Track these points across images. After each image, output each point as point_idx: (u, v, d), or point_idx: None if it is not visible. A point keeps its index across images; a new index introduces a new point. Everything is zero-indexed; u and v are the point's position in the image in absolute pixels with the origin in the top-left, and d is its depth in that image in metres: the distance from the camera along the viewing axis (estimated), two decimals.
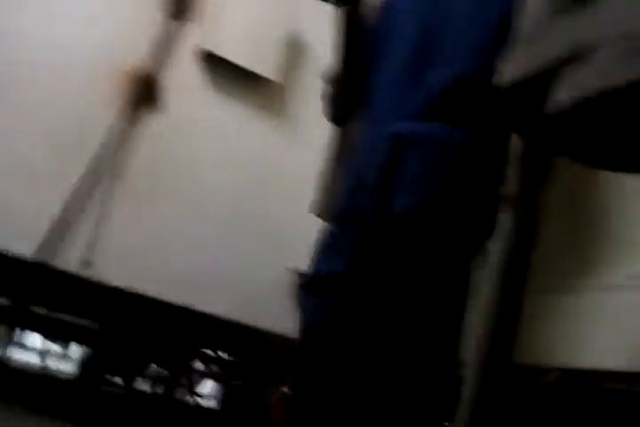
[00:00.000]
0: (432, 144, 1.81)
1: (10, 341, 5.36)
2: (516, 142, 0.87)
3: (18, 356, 5.57)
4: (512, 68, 0.76)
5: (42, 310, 3.86)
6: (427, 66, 1.87)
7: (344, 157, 2.04)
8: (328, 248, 1.92)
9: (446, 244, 1.79)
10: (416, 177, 1.80)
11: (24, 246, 2.57)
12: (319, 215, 2.13)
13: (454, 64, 1.84)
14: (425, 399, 1.71)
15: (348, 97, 2.09)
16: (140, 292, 2.85)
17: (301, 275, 2.62)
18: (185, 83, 2.99)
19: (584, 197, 1.88)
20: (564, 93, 0.69)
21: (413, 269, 1.79)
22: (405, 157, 1.81)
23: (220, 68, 3.04)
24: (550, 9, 0.75)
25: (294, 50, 3.17)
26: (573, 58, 0.69)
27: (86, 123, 2.71)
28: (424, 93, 1.85)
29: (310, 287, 1.90)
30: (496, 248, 0.88)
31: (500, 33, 1.71)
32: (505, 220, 0.86)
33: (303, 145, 3.04)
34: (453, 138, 1.81)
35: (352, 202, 1.89)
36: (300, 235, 2.28)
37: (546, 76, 0.73)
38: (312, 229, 1.98)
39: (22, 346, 6.66)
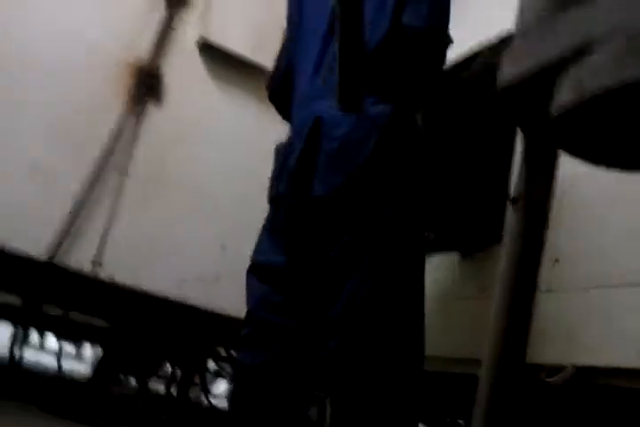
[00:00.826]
0: (355, 122, 1.78)
1: (23, 341, 5.41)
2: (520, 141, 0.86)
3: (31, 356, 5.61)
4: (512, 67, 0.74)
5: (54, 310, 3.88)
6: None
7: (278, 144, 2.03)
8: (266, 232, 1.95)
9: (374, 224, 1.77)
10: (333, 158, 1.80)
11: (35, 246, 2.57)
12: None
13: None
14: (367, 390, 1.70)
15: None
16: (152, 291, 2.84)
17: None
18: (186, 74, 2.98)
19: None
20: (564, 94, 0.68)
21: (343, 253, 1.77)
22: (324, 138, 1.81)
23: (220, 58, 3.02)
24: (548, 6, 0.74)
25: None
26: (574, 56, 0.68)
27: (91, 118, 2.70)
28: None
29: (253, 272, 1.92)
30: (505, 249, 0.87)
31: None
32: (512, 220, 0.84)
33: None
34: (370, 116, 1.80)
35: (278, 186, 1.90)
36: None
37: (547, 75, 0.71)
38: None
39: (36, 346, 6.72)
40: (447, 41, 1.92)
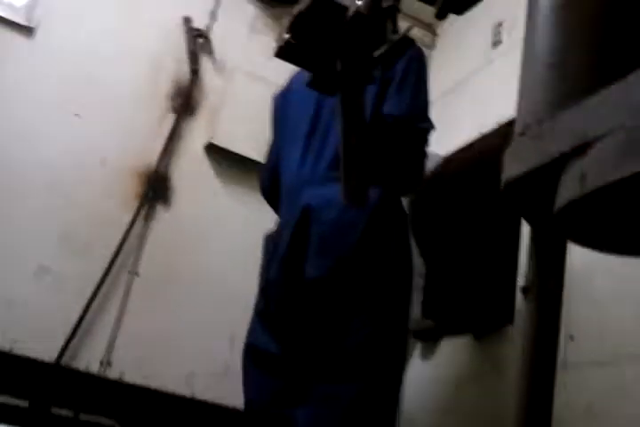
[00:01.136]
0: (338, 209, 1.83)
1: None
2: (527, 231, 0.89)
3: None
4: (515, 164, 0.78)
5: (63, 412, 3.79)
6: (325, 135, 1.97)
7: (266, 233, 2.09)
8: (257, 319, 1.96)
9: (366, 304, 1.80)
10: (325, 241, 1.84)
11: (42, 348, 2.55)
12: None
13: None
14: None
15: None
16: (161, 388, 2.80)
17: None
18: (193, 175, 3.07)
19: None
20: (568, 187, 0.71)
21: (337, 336, 1.79)
22: (313, 223, 1.86)
23: (225, 159, 3.12)
24: (546, 108, 0.78)
25: None
26: (575, 152, 0.72)
27: (102, 223, 2.76)
28: (327, 156, 1.93)
29: (251, 360, 1.94)
30: (522, 334, 0.88)
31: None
32: (525, 309, 0.86)
33: None
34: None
35: (269, 273, 1.94)
36: None
37: (550, 171, 0.75)
38: None
39: None
40: (428, 126, 1.99)
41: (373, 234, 1.85)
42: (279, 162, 2.13)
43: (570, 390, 1.77)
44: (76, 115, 2.81)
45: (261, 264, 2.04)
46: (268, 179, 2.20)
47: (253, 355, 1.94)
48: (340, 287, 1.82)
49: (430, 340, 2.56)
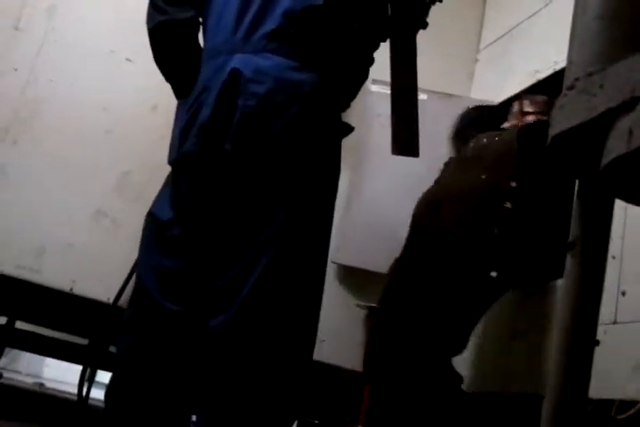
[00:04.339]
0: (275, 83, 1.69)
1: (91, 381, 5.51)
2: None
3: (98, 395, 5.72)
4: (563, 119, 0.77)
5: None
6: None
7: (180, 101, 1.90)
8: (168, 191, 1.83)
9: (285, 194, 1.65)
10: (250, 116, 1.67)
11: (101, 289, 2.65)
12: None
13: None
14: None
15: None
16: None
17: (372, 309, 2.64)
18: None
19: None
20: (615, 143, 0.70)
21: (247, 222, 1.64)
22: (241, 93, 1.69)
23: None
24: (596, 60, 0.77)
25: None
26: (623, 108, 0.70)
27: (154, 169, 2.77)
28: (269, 24, 1.73)
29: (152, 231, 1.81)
30: (565, 290, 0.88)
31: None
32: (570, 264, 0.86)
33: None
34: (294, 81, 1.70)
35: (184, 144, 1.77)
36: None
37: (597, 127, 0.74)
38: None
39: (102, 385, 6.84)
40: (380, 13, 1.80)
41: (304, 123, 1.69)
42: (205, 15, 1.88)
43: (620, 346, 1.77)
44: (128, 59, 2.81)
45: (174, 134, 1.88)
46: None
47: (155, 227, 1.81)
48: (258, 172, 1.67)
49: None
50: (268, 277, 1.62)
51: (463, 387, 2.25)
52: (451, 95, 2.94)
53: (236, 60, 1.72)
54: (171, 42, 1.86)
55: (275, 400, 1.60)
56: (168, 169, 1.92)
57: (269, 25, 1.73)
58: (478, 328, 2.32)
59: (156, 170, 2.50)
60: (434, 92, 2.84)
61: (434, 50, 2.93)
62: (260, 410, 1.57)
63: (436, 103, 2.83)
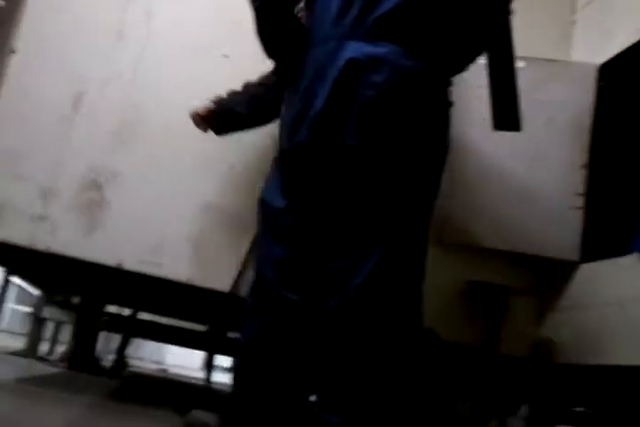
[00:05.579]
0: (393, 71, 1.64)
1: (210, 365, 5.76)
2: None
3: (218, 378, 5.96)
4: None
5: (237, 335, 4.13)
6: None
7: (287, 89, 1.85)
8: (278, 181, 1.82)
9: (406, 181, 1.64)
10: (371, 107, 1.63)
11: (219, 279, 2.73)
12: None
13: None
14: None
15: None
16: None
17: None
18: None
19: None
20: None
21: (362, 214, 1.63)
22: (360, 85, 1.65)
23: None
24: None
25: None
26: None
27: (262, 161, 2.82)
28: (380, 9, 1.68)
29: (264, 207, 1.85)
30: None
31: None
32: None
33: None
34: (405, 67, 1.65)
35: (297, 135, 1.74)
36: None
37: None
38: None
39: (222, 369, 7.11)
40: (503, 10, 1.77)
41: (421, 120, 1.67)
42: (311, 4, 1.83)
43: None
44: (225, 56, 2.86)
45: (284, 123, 1.85)
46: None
47: (267, 214, 1.84)
48: (379, 163, 1.65)
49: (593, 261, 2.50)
50: (385, 262, 1.65)
51: None
52: (551, 61, 2.83)
53: (351, 48, 1.68)
54: (276, 20, 1.85)
55: (391, 376, 1.63)
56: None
57: (380, 10, 1.68)
58: (595, 293, 2.25)
59: (263, 162, 2.55)
60: (532, 58, 2.74)
61: (527, 15, 2.83)
62: (379, 388, 1.61)
63: (535, 70, 2.74)
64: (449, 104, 1.77)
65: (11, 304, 7.50)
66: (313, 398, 1.79)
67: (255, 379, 1.76)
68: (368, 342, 1.62)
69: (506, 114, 1.78)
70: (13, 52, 2.66)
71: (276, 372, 1.74)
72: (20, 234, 2.57)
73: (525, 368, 2.75)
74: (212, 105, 2.41)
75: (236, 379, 1.83)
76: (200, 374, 7.01)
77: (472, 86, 2.40)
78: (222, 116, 2.41)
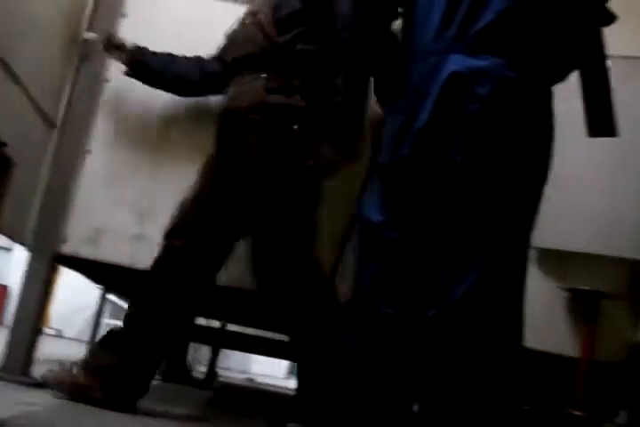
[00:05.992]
0: (497, 83, 1.63)
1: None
2: None
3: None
4: None
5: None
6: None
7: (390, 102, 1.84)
8: (377, 197, 1.81)
9: (513, 195, 1.64)
10: (476, 120, 1.63)
11: None
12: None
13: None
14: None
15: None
16: None
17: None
18: None
19: None
20: None
21: (479, 224, 1.63)
22: (465, 98, 1.64)
23: None
24: None
25: None
26: None
27: None
28: (482, 21, 1.68)
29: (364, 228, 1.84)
30: None
31: None
32: None
33: None
34: (508, 78, 1.65)
35: (400, 149, 1.73)
36: None
37: None
38: None
39: None
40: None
41: (527, 126, 1.67)
42: (408, 14, 1.85)
43: None
44: None
45: (386, 137, 1.84)
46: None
47: (367, 231, 1.83)
48: (486, 177, 1.65)
49: None
50: (490, 270, 1.66)
51: None
52: (634, 58, 2.74)
53: (453, 62, 1.68)
54: (375, 39, 1.89)
55: (493, 386, 1.63)
56: None
57: (481, 23, 1.68)
58: None
59: None
60: (621, 57, 2.66)
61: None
62: (480, 396, 1.62)
63: (617, 68, 2.67)
64: (552, 114, 1.76)
65: (106, 319, 7.81)
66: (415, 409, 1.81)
67: (354, 392, 1.78)
68: (470, 351, 1.63)
69: (601, 119, 1.74)
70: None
71: (377, 384, 1.76)
72: (120, 254, 2.69)
73: (622, 374, 2.70)
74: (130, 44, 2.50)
75: (334, 392, 1.86)
76: (285, 383, 7.09)
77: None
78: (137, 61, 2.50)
